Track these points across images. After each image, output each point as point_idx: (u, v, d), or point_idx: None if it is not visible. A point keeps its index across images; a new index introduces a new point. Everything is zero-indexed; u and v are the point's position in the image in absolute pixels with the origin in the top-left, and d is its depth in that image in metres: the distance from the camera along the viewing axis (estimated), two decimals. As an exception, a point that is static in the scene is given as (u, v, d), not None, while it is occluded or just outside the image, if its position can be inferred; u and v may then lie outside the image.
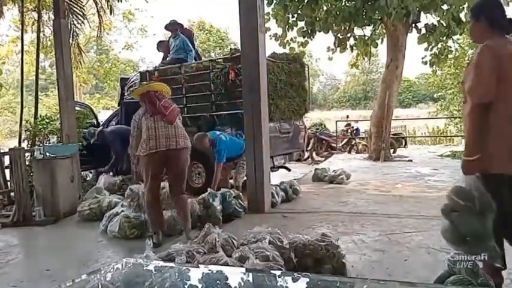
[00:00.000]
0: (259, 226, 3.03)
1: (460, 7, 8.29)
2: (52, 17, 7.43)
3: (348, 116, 15.61)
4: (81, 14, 7.79)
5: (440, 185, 5.89)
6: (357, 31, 10.01)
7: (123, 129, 6.25)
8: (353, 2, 8.50)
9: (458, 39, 10.80)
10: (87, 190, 5.43)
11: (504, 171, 2.21)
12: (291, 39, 10.11)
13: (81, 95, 22.90)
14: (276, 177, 6.17)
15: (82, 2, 7.90)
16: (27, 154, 5.23)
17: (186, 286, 1.35)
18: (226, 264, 2.43)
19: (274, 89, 5.91)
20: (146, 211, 3.82)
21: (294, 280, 1.25)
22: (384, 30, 9.61)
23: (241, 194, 4.71)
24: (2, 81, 7.25)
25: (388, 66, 9.39)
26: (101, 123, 7.57)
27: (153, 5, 48.00)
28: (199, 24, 30.12)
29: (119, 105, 7.76)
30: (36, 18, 7.81)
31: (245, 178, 5.25)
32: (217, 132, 5.52)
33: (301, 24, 9.42)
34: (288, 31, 9.71)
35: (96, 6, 8.81)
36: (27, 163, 5.14)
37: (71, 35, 7.54)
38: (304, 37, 9.66)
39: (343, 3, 8.85)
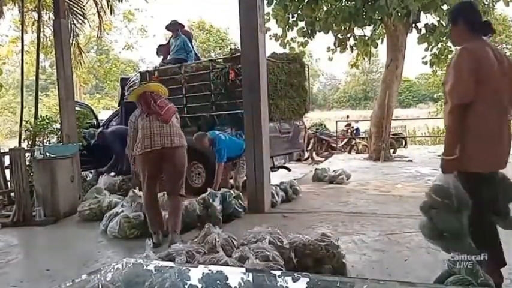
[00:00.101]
0: (259, 226, 3.03)
1: (460, 7, 8.27)
2: (52, 17, 7.45)
3: (348, 116, 15.61)
4: (81, 14, 7.79)
5: (440, 185, 5.88)
6: (357, 31, 10.02)
7: (123, 130, 6.24)
8: (353, 2, 8.50)
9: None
10: (87, 190, 5.43)
11: (483, 170, 2.30)
12: (291, 39, 10.12)
13: (81, 95, 22.91)
14: (276, 177, 6.17)
15: (82, 2, 7.90)
16: (27, 154, 5.23)
17: (186, 286, 1.35)
18: (226, 264, 2.43)
19: (274, 89, 5.91)
20: (145, 211, 3.82)
21: (294, 280, 1.25)
22: (384, 30, 9.61)
23: (241, 194, 4.71)
24: (2, 81, 7.26)
25: (388, 66, 9.40)
26: (101, 124, 7.58)
27: (153, 5, 48.06)
28: (199, 24, 30.11)
29: (119, 106, 7.76)
30: (36, 18, 7.82)
31: (245, 178, 5.25)
32: (217, 132, 5.52)
33: (301, 24, 9.43)
34: (288, 31, 9.71)
35: (96, 6, 8.81)
36: (27, 163, 5.14)
37: (71, 35, 7.54)
38: (304, 37, 9.66)
39: (343, 3, 8.85)
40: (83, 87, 24.39)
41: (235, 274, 1.37)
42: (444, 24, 8.55)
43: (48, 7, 8.05)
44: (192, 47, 7.20)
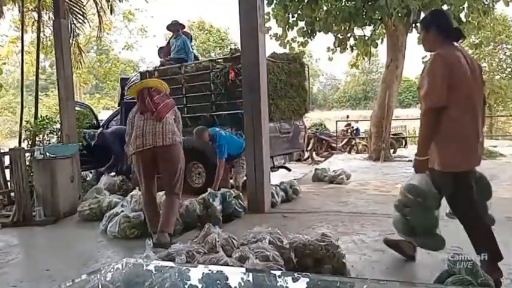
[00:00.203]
0: (259, 226, 3.02)
1: (460, 7, 8.29)
2: (52, 17, 7.44)
3: (348, 116, 15.62)
4: (81, 14, 7.79)
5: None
6: (357, 31, 10.02)
7: (123, 130, 6.24)
8: (353, 2, 8.50)
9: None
10: (87, 190, 5.43)
11: (455, 169, 2.43)
12: (291, 39, 10.12)
13: (81, 95, 22.93)
14: (276, 177, 6.17)
15: (82, 2, 7.91)
16: (27, 154, 5.23)
17: (186, 286, 1.35)
18: (226, 264, 2.42)
19: (274, 89, 5.91)
20: (144, 211, 3.82)
21: (294, 280, 1.25)
22: (384, 30, 9.61)
23: (241, 194, 4.71)
24: (2, 81, 7.26)
25: (388, 66, 9.39)
26: (101, 124, 7.58)
27: (153, 5, 48.11)
28: (199, 24, 30.13)
29: (119, 106, 7.76)
30: (36, 18, 7.82)
31: (245, 178, 5.25)
32: (217, 129, 5.54)
33: (301, 24, 9.43)
34: (288, 31, 9.71)
35: (96, 6, 8.82)
36: (27, 163, 5.14)
37: (71, 35, 7.54)
38: (304, 37, 9.66)
39: (343, 3, 8.85)
40: (83, 87, 24.41)
41: (235, 274, 1.37)
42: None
43: (48, 7, 8.05)
44: (192, 48, 7.21)
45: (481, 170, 2.65)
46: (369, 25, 9.40)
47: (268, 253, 2.51)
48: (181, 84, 6.34)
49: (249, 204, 4.67)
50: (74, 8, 7.53)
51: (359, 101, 41.53)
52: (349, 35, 10.03)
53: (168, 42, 7.29)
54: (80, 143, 6.00)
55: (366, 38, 10.01)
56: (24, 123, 6.48)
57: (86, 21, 8.13)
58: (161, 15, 34.35)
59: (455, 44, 2.54)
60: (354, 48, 10.33)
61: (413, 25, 9.07)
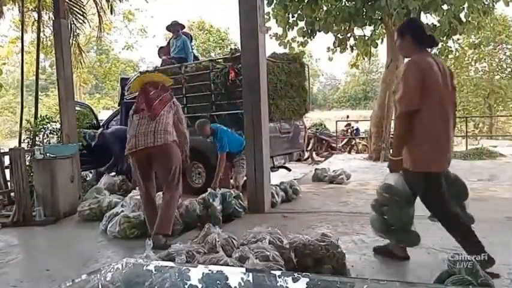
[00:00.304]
0: (259, 226, 3.02)
1: (460, 7, 8.30)
2: (52, 17, 7.44)
3: (348, 116, 15.63)
4: (81, 14, 7.79)
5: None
6: (357, 31, 10.02)
7: (123, 130, 6.25)
8: (353, 2, 8.50)
9: (458, 39, 10.81)
10: (87, 190, 5.43)
11: (425, 169, 2.58)
12: (291, 39, 10.12)
13: (81, 95, 22.93)
14: (276, 177, 6.16)
15: (82, 2, 7.90)
16: (27, 154, 5.23)
17: (186, 286, 1.34)
18: (226, 264, 2.42)
19: (274, 89, 5.91)
20: (143, 212, 3.82)
21: (294, 280, 1.25)
22: (384, 30, 9.61)
23: (241, 194, 4.71)
24: (2, 81, 7.26)
25: (388, 66, 9.40)
26: (101, 124, 7.58)
27: (153, 5, 48.17)
28: (199, 24, 30.11)
29: (119, 106, 7.77)
30: (36, 18, 7.81)
31: (245, 178, 5.25)
32: (218, 124, 5.58)
33: (301, 24, 9.43)
34: (288, 31, 9.71)
35: (96, 6, 8.81)
36: (27, 163, 5.14)
37: (71, 35, 7.54)
38: (304, 37, 9.67)
39: (343, 3, 8.85)
40: (83, 87, 24.41)
41: (235, 274, 1.37)
42: (446, 23, 8.54)
43: (48, 7, 8.05)
44: (192, 48, 7.21)
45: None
46: (369, 25, 9.40)
47: (268, 253, 2.51)
48: (182, 84, 6.34)
49: (249, 204, 4.67)
50: (74, 8, 7.52)
51: (359, 101, 41.51)
52: (349, 35, 10.04)
53: (168, 43, 7.29)
54: (80, 143, 6.00)
55: (366, 38, 10.01)
56: (24, 122, 6.48)
57: (86, 21, 8.13)
58: (161, 15, 34.40)
59: (428, 50, 2.74)
60: (354, 48, 10.33)
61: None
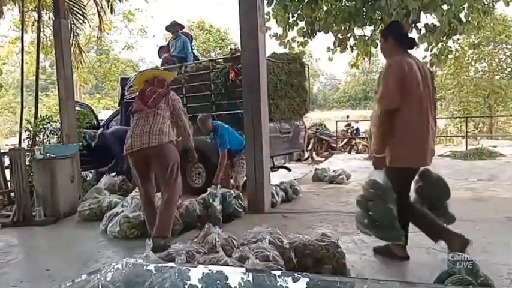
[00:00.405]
0: (259, 226, 3.02)
1: (460, 7, 8.29)
2: (52, 17, 7.44)
3: (348, 116, 15.63)
4: (81, 14, 7.79)
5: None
6: (357, 31, 10.00)
7: (123, 130, 6.25)
8: (353, 2, 8.49)
9: (458, 39, 10.81)
10: (87, 190, 5.44)
11: (399, 165, 2.71)
12: (291, 39, 10.11)
13: (81, 95, 22.92)
14: (276, 177, 6.16)
15: (82, 2, 7.90)
16: (27, 154, 5.23)
17: (186, 286, 1.34)
18: (226, 264, 2.42)
19: (274, 89, 5.92)
20: (143, 212, 3.82)
21: (294, 280, 1.25)
22: (384, 30, 9.60)
23: (241, 194, 4.71)
24: (2, 81, 7.26)
25: (388, 66, 9.38)
26: (101, 124, 7.58)
27: (153, 5, 48.15)
28: (199, 24, 30.09)
29: (119, 106, 7.76)
30: (36, 18, 7.81)
31: (245, 178, 5.26)
32: (219, 122, 5.60)
33: (301, 24, 9.41)
34: (288, 31, 9.70)
35: (96, 6, 8.81)
36: (27, 163, 5.14)
37: (71, 35, 7.54)
38: (304, 37, 9.65)
39: (343, 3, 8.83)
40: (83, 87, 24.40)
41: (235, 274, 1.37)
42: (446, 23, 8.53)
43: (48, 7, 8.05)
44: (192, 49, 7.21)
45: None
46: (369, 25, 9.38)
47: (268, 253, 2.51)
48: (182, 84, 6.34)
49: (249, 204, 4.67)
50: (74, 8, 7.52)
51: (359, 101, 41.52)
52: (349, 35, 10.02)
53: (168, 43, 7.29)
54: (80, 143, 6.00)
55: (366, 38, 9.99)
56: (24, 122, 6.48)
57: (86, 21, 8.13)
58: (161, 15, 34.40)
59: (409, 51, 2.82)
60: (354, 48, 10.31)
61: (413, 25, 9.05)
